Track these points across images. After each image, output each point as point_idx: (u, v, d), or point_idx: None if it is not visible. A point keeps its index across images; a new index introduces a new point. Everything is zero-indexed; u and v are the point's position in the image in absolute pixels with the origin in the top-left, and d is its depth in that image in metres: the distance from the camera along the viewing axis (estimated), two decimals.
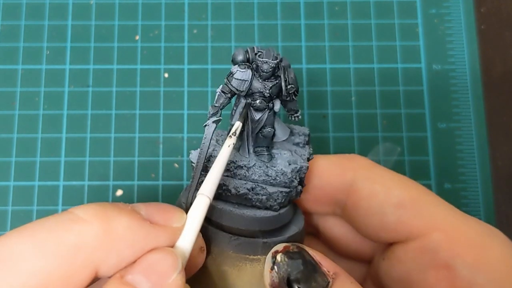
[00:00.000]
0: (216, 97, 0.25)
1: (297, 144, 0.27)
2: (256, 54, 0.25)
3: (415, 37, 0.42)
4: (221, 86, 0.25)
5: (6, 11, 0.42)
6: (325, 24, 0.42)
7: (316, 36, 0.42)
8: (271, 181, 0.26)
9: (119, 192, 0.38)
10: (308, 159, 0.27)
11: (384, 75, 0.41)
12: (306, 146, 0.27)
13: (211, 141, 0.26)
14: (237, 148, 0.26)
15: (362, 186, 0.27)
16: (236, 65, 0.25)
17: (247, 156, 0.26)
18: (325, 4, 0.43)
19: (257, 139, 0.26)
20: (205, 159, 0.25)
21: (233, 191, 0.26)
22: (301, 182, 0.26)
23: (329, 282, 0.23)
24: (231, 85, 0.25)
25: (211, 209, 0.25)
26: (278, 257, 0.24)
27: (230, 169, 0.26)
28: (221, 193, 0.26)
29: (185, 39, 0.42)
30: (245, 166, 0.26)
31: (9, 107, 0.40)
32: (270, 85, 0.25)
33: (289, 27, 0.42)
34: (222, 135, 0.27)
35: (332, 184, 0.28)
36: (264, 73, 0.25)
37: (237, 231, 0.25)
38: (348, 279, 0.24)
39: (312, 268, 0.24)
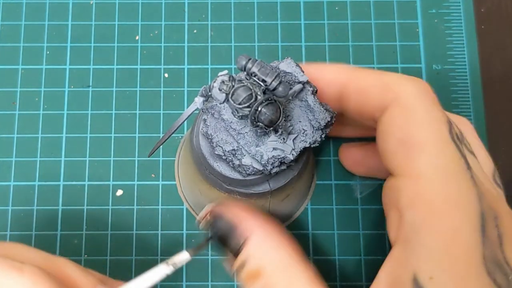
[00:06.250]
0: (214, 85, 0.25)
1: (312, 126, 0.27)
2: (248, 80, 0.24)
3: (415, 37, 0.42)
4: (219, 81, 0.25)
5: (6, 11, 0.42)
6: (325, 24, 0.42)
7: (316, 36, 0.42)
8: (251, 154, 0.26)
9: (119, 192, 0.38)
10: (311, 146, 0.26)
11: None
12: (319, 131, 0.27)
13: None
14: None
15: (389, 113, 0.26)
16: (220, 80, 0.24)
17: (246, 121, 0.26)
18: (325, 4, 0.43)
19: None
20: (179, 126, 0.28)
21: (214, 144, 0.26)
22: (283, 164, 0.26)
23: (241, 244, 0.26)
24: (211, 93, 0.25)
25: (198, 142, 0.28)
26: (202, 222, 0.29)
27: (226, 123, 0.26)
28: (207, 138, 0.27)
29: (185, 39, 0.42)
30: (236, 130, 0.26)
31: (9, 107, 0.40)
32: (240, 115, 0.24)
33: (289, 27, 0.42)
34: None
35: (372, 104, 0.28)
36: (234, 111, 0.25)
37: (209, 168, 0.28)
38: (258, 240, 0.26)
39: (228, 232, 0.27)
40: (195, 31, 0.42)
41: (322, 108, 0.26)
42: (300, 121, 0.26)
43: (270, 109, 0.23)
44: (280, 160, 0.25)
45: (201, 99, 0.26)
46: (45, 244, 0.37)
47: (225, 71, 0.25)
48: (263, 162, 0.25)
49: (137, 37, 0.42)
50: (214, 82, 0.25)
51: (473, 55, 0.42)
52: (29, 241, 0.37)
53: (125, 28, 0.42)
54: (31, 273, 0.23)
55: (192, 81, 0.41)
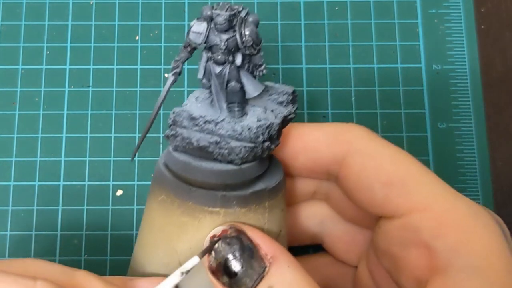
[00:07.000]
0: (179, 51, 0.27)
1: (281, 103, 0.27)
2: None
3: (415, 37, 0.42)
4: (194, 21, 0.26)
5: (6, 11, 0.42)
6: (325, 24, 0.42)
7: (316, 36, 0.42)
8: (237, 136, 0.26)
9: (119, 192, 0.38)
10: (288, 118, 0.27)
11: (384, 75, 0.41)
12: (290, 105, 0.27)
13: (190, 98, 0.28)
14: (211, 104, 0.27)
15: (354, 161, 0.26)
16: (195, 19, 0.25)
17: (219, 112, 0.26)
18: (325, 4, 0.43)
19: (228, 95, 0.26)
20: (158, 108, 0.27)
21: (195, 144, 0.26)
22: (271, 139, 0.26)
23: (266, 267, 0.24)
24: (189, 38, 0.26)
25: (174, 161, 0.27)
26: (217, 240, 0.25)
27: (199, 124, 0.26)
28: (185, 146, 0.26)
29: (185, 39, 0.42)
30: (213, 121, 0.26)
31: (9, 107, 0.40)
32: (226, 38, 0.25)
33: (289, 27, 0.42)
34: (203, 92, 0.28)
35: (325, 158, 0.27)
36: (219, 25, 0.25)
37: (195, 183, 0.26)
38: (286, 262, 0.24)
39: (249, 253, 0.24)
40: None
41: (281, 84, 0.28)
42: (272, 110, 0.27)
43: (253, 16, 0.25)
44: (268, 128, 0.26)
45: (172, 72, 0.27)
46: (45, 244, 0.37)
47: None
48: (253, 134, 0.25)
49: (137, 37, 0.42)
50: (189, 29, 0.26)
51: (473, 55, 0.42)
52: (29, 241, 0.37)
53: (125, 28, 0.42)
54: None
55: (192, 81, 0.41)
